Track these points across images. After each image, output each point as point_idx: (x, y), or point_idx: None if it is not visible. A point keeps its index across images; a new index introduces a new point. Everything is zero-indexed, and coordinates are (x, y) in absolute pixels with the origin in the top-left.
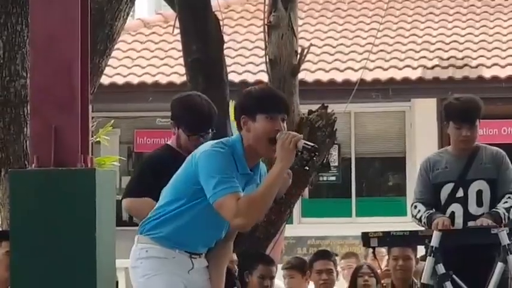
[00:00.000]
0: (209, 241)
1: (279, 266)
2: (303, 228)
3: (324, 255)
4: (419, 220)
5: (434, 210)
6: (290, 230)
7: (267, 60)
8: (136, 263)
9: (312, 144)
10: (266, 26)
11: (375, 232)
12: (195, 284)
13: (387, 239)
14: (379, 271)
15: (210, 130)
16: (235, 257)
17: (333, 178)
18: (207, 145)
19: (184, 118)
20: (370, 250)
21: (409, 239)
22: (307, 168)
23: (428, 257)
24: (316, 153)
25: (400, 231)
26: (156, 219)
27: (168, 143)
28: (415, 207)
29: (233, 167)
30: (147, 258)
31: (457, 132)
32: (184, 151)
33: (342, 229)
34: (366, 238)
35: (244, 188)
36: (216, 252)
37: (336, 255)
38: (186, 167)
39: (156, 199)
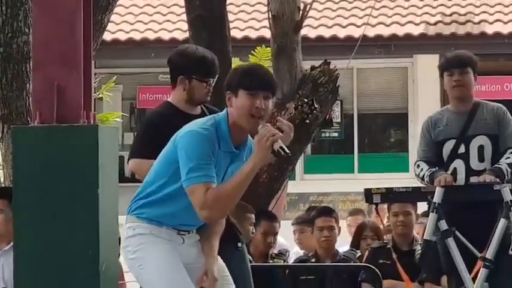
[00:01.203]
0: (198, 221)
1: (286, 222)
2: (305, 184)
3: (326, 212)
4: (422, 178)
5: (436, 168)
6: (292, 187)
7: (270, 16)
8: (125, 242)
9: (288, 151)
10: None
11: (377, 188)
12: (187, 258)
13: (390, 195)
14: (381, 227)
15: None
16: (253, 218)
17: (335, 134)
18: (193, 124)
19: (196, 66)
20: (373, 206)
21: (412, 196)
22: (308, 121)
23: (431, 213)
24: (315, 107)
25: (403, 187)
26: (143, 198)
27: (169, 100)
28: (418, 166)
29: (213, 147)
30: (134, 236)
31: (450, 80)
32: (198, 102)
33: (344, 185)
34: (368, 194)
35: (230, 165)
36: (209, 227)
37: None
38: (169, 146)
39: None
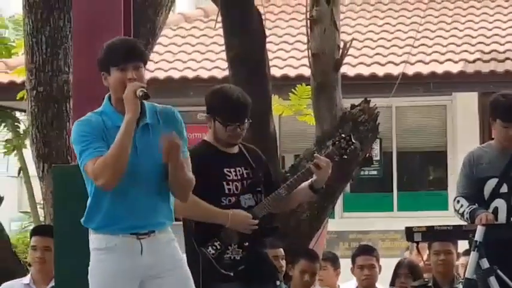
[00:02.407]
0: (146, 212)
1: None
2: (344, 222)
3: (366, 250)
4: (462, 215)
5: (477, 205)
6: (332, 225)
7: (310, 54)
8: None
9: (146, 91)
10: (309, 21)
11: (418, 226)
12: (151, 268)
13: (431, 233)
14: (421, 264)
15: (246, 120)
16: (282, 252)
17: (375, 172)
18: None
19: (219, 109)
20: (414, 245)
21: (452, 234)
22: (346, 157)
23: (472, 252)
24: (353, 142)
25: (444, 225)
26: (87, 212)
27: (205, 138)
28: (458, 201)
29: (97, 127)
30: (92, 250)
31: (504, 131)
32: (221, 143)
33: (384, 223)
34: (409, 232)
35: (137, 138)
36: None
37: None
38: None
39: (198, 195)
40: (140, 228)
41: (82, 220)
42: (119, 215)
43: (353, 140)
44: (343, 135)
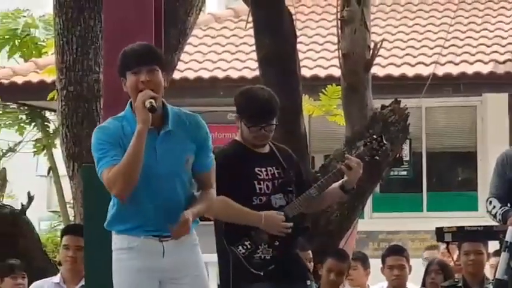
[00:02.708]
0: (169, 216)
1: None
2: (374, 223)
3: (396, 250)
4: (494, 216)
5: (509, 206)
6: (361, 225)
7: (340, 54)
8: None
9: (153, 104)
10: (339, 21)
11: (449, 227)
12: (173, 271)
13: (461, 233)
14: (451, 264)
15: (272, 122)
16: (310, 255)
17: (404, 173)
18: None
19: (245, 110)
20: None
21: (483, 234)
22: (378, 158)
23: (502, 252)
24: (384, 143)
25: (475, 226)
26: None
27: (236, 138)
28: (490, 202)
29: (116, 134)
30: (114, 251)
31: None
32: (247, 144)
33: (413, 224)
34: (440, 233)
35: (158, 145)
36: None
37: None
38: None
39: (229, 194)
40: (163, 230)
41: (105, 224)
42: (141, 219)
43: (384, 141)
44: (374, 136)
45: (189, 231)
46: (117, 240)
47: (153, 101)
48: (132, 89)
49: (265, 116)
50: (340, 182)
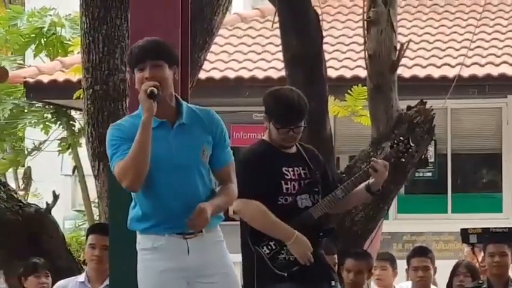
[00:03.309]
0: (189, 209)
1: None
2: (398, 224)
3: (421, 252)
4: None
5: None
6: (386, 226)
7: (366, 55)
8: None
9: (155, 91)
10: (365, 22)
11: (474, 228)
12: (202, 268)
13: (486, 235)
14: (477, 265)
15: (301, 124)
16: (335, 259)
17: (429, 174)
18: None
19: (274, 111)
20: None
21: (508, 236)
22: (404, 160)
23: None
24: (411, 145)
25: (500, 227)
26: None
27: (263, 137)
28: None
29: (128, 132)
30: (139, 251)
31: None
32: (275, 145)
33: (438, 225)
34: (465, 234)
35: (172, 138)
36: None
37: None
38: None
39: (256, 193)
40: (186, 227)
41: (128, 224)
42: (162, 215)
43: (411, 144)
44: (401, 138)
45: (207, 223)
46: (142, 240)
47: (154, 88)
48: (138, 85)
49: (294, 118)
50: (366, 183)
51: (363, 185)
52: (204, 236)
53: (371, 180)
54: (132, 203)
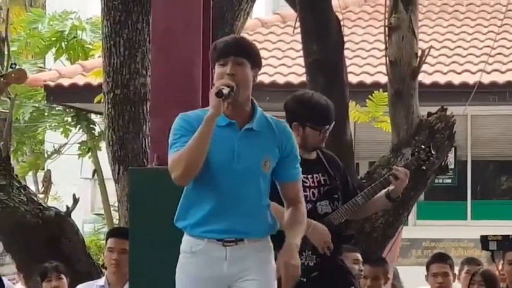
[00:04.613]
0: (236, 218)
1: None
2: (418, 230)
3: (440, 258)
4: None
5: None
6: (405, 232)
7: (387, 61)
8: None
9: (224, 91)
10: (387, 28)
11: (494, 235)
12: (233, 275)
13: (506, 242)
14: (496, 272)
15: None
16: (359, 256)
17: (449, 180)
18: None
19: (310, 114)
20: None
21: None
22: (424, 168)
23: None
24: (432, 153)
25: None
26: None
27: None
28: None
29: (193, 124)
30: (180, 252)
31: None
32: (312, 149)
33: (457, 232)
34: (484, 241)
35: (237, 143)
36: (285, 221)
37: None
38: None
39: (276, 200)
40: (227, 234)
41: (174, 218)
42: (207, 217)
43: (432, 152)
44: (422, 146)
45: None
46: (183, 242)
47: (224, 87)
48: (217, 80)
49: (330, 116)
50: (385, 190)
51: (382, 192)
52: (245, 245)
53: (391, 188)
54: (182, 199)
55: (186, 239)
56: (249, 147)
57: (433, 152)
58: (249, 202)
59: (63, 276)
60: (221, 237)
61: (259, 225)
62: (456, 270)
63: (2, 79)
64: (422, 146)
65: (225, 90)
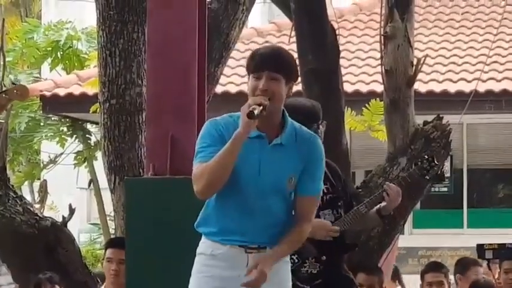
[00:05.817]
0: (261, 227)
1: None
2: (414, 239)
3: (435, 267)
4: None
5: None
6: (401, 241)
7: (383, 70)
8: None
9: (255, 111)
10: (382, 37)
11: (490, 244)
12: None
13: (502, 251)
14: (493, 281)
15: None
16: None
17: (445, 189)
18: None
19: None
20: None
21: None
22: (428, 177)
23: None
24: (436, 163)
25: None
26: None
27: None
28: None
29: (221, 130)
30: (198, 255)
31: None
32: None
33: (453, 240)
34: (480, 250)
35: (262, 156)
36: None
37: None
38: None
39: None
40: (250, 241)
41: (196, 223)
42: (231, 225)
43: (436, 162)
44: (426, 156)
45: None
46: (203, 245)
47: (256, 107)
48: (250, 92)
49: (315, 117)
50: (377, 207)
51: (374, 209)
52: (267, 253)
53: (383, 204)
54: (206, 204)
55: (206, 242)
56: (276, 163)
57: (437, 162)
58: (273, 216)
59: (57, 287)
60: (244, 244)
61: (281, 236)
62: (451, 278)
63: (4, 95)
64: (426, 156)
65: (257, 111)
